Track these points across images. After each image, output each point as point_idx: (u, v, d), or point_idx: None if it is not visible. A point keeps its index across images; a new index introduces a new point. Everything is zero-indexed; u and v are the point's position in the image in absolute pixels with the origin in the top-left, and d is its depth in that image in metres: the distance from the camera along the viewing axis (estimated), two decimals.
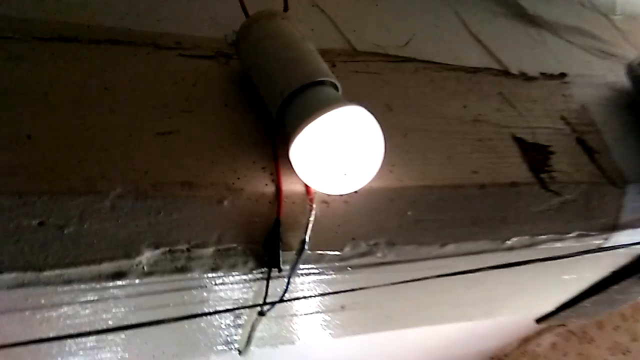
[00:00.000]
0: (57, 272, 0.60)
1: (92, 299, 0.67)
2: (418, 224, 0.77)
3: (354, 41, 0.89)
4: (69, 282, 0.61)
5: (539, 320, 1.34)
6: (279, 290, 0.74)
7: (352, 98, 0.64)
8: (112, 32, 0.73)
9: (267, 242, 0.68)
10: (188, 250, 0.65)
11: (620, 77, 1.07)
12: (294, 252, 0.69)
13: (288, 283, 0.72)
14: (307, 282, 0.78)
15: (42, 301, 0.65)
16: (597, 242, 0.92)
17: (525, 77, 0.98)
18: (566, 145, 0.91)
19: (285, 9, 0.77)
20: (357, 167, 0.64)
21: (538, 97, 0.96)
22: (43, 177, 0.59)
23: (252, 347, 0.95)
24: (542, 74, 1.01)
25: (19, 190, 0.57)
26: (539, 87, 0.98)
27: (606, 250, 0.95)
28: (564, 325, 4.31)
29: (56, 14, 0.72)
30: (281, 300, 0.75)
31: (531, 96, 0.95)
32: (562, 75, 1.02)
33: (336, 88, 0.68)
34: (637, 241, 0.97)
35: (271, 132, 0.71)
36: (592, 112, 0.99)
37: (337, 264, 0.74)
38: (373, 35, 0.92)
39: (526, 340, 4.55)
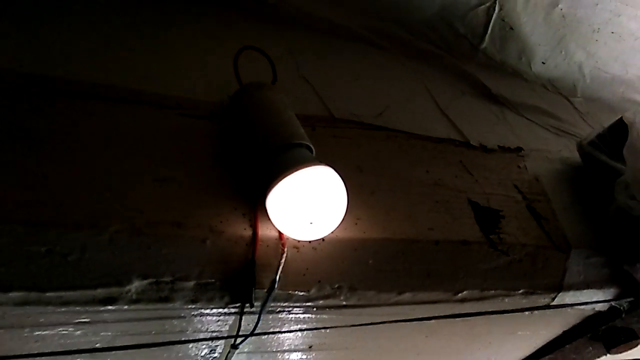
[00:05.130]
0: (58, 294, 0.69)
1: (84, 320, 0.76)
2: (378, 273, 0.87)
3: (333, 109, 1.02)
4: (67, 303, 0.71)
5: None
6: (251, 325, 0.83)
7: (322, 160, 0.76)
8: (124, 92, 0.86)
9: (242, 279, 0.77)
10: (172, 282, 0.75)
11: (574, 154, 1.20)
12: (265, 290, 0.78)
13: (259, 317, 0.81)
14: (277, 319, 0.87)
15: (41, 320, 0.74)
16: (544, 300, 1.02)
17: (484, 149, 1.11)
18: (516, 211, 1.02)
19: (274, 81, 0.90)
20: (322, 218, 0.76)
21: (494, 167, 1.08)
22: (53, 211, 0.70)
23: None
24: (500, 147, 1.14)
25: (33, 221, 0.68)
26: (496, 159, 1.10)
27: (553, 308, 1.04)
28: None
29: (77, 74, 0.85)
30: (253, 334, 0.84)
31: (488, 166, 1.08)
32: (519, 149, 1.15)
33: (310, 150, 0.80)
34: (582, 302, 1.07)
35: (252, 184, 0.82)
36: (544, 183, 1.11)
37: (304, 303, 0.83)
38: (351, 105, 1.05)
39: None
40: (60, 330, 0.77)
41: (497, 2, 1.24)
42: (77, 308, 0.72)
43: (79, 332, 0.79)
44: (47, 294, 0.69)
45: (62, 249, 0.69)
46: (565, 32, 1.33)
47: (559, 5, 1.27)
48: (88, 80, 0.84)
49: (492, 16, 1.26)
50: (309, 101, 1.03)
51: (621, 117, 1.04)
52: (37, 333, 0.77)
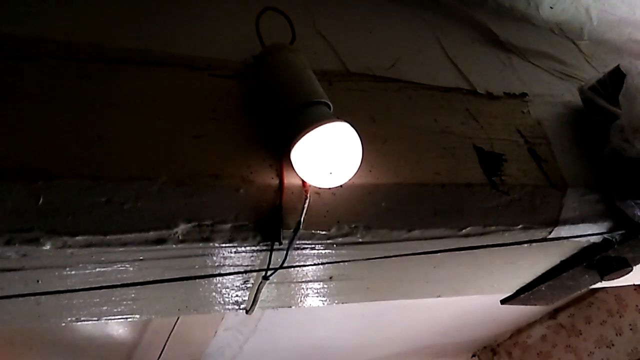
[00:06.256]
0: (117, 236, 0.82)
1: (139, 258, 0.89)
2: (390, 213, 0.98)
3: (348, 63, 1.10)
4: (124, 244, 0.83)
5: (503, 301, 1.54)
6: (279, 260, 0.96)
7: (339, 114, 0.85)
8: (159, 55, 0.95)
9: (271, 221, 0.89)
10: (212, 225, 0.87)
11: (576, 97, 1.27)
12: (291, 230, 0.90)
13: (287, 253, 0.93)
14: (302, 254, 1.00)
15: (102, 258, 0.87)
16: (541, 234, 1.13)
17: (490, 96, 1.19)
18: (518, 154, 1.11)
19: (293, 40, 0.98)
20: (340, 168, 0.86)
21: (499, 114, 1.16)
22: (110, 166, 0.81)
23: (256, 308, 1.17)
24: (506, 93, 1.21)
25: (94, 175, 0.80)
26: (501, 105, 1.18)
27: (550, 241, 1.15)
28: (553, 318, 4.50)
29: (117, 40, 0.94)
30: (281, 267, 0.96)
31: (493, 112, 1.16)
32: (523, 94, 1.23)
33: (329, 107, 0.89)
34: (577, 235, 1.18)
35: (277, 138, 0.92)
36: (546, 126, 1.19)
37: (325, 241, 0.95)
38: (365, 58, 1.13)
39: (518, 331, 4.77)
40: (118, 267, 0.91)
41: None
42: (133, 248, 0.84)
43: (133, 268, 0.92)
44: (108, 237, 0.81)
45: (119, 199, 0.81)
46: None
47: None
48: (127, 47, 0.93)
49: None
50: (326, 56, 1.10)
51: (618, 65, 1.11)
52: (98, 269, 0.90)
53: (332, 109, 0.89)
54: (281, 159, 0.91)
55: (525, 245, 1.16)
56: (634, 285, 3.71)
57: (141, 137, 0.85)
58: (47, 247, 0.79)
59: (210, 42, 1.01)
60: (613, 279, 1.34)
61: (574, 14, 1.46)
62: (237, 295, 1.12)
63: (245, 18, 1.00)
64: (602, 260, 1.29)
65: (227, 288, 1.07)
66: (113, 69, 0.91)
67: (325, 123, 0.82)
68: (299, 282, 1.13)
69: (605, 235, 1.21)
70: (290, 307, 1.24)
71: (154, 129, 0.87)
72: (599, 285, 1.47)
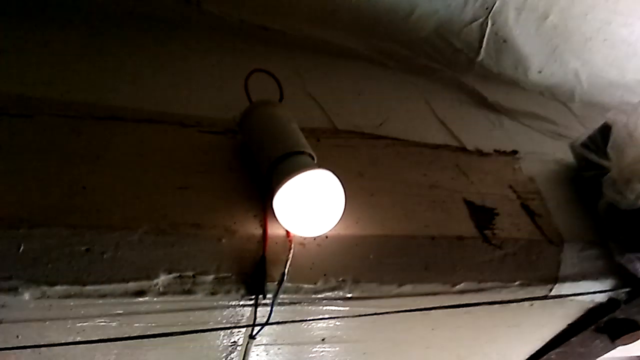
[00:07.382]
0: (96, 287, 0.81)
1: (119, 312, 0.87)
2: (379, 266, 0.96)
3: (337, 122, 1.13)
4: (103, 296, 0.82)
5: None
6: (266, 317, 0.93)
7: (323, 164, 0.86)
8: (150, 114, 0.98)
9: (255, 273, 0.88)
10: (193, 276, 0.85)
11: (569, 155, 1.27)
12: (276, 282, 0.88)
13: (272, 308, 0.90)
14: (289, 310, 0.97)
15: (82, 312, 0.86)
16: (541, 291, 1.09)
17: (480, 153, 1.20)
18: (511, 208, 1.10)
19: (281, 99, 1.01)
20: (323, 216, 0.86)
21: (490, 170, 1.16)
22: (92, 216, 0.82)
23: None
24: (496, 151, 1.22)
25: (74, 224, 0.80)
26: (491, 162, 1.19)
27: (551, 298, 1.11)
28: None
29: (109, 99, 0.98)
30: (267, 324, 0.93)
31: (484, 169, 1.16)
32: (514, 152, 1.23)
33: (312, 157, 0.90)
34: (579, 292, 1.13)
35: (261, 188, 0.93)
36: (538, 182, 1.19)
37: (311, 295, 0.93)
38: (354, 118, 1.16)
39: None
40: (98, 322, 0.88)
41: (490, 17, 1.33)
42: (112, 300, 0.83)
43: (114, 324, 0.90)
44: (87, 288, 0.80)
45: (99, 248, 0.81)
46: (558, 42, 1.41)
47: (550, 17, 1.36)
48: (120, 105, 0.97)
49: (485, 31, 1.35)
50: (315, 116, 1.13)
51: (606, 120, 1.12)
52: (78, 325, 0.88)
53: (315, 160, 0.90)
54: (265, 209, 0.91)
55: (526, 304, 1.11)
56: None
57: (125, 188, 0.86)
58: (26, 296, 0.78)
59: (201, 101, 1.05)
60: (625, 343, 1.27)
61: (563, 77, 1.49)
62: (226, 358, 1.08)
63: (235, 79, 1.04)
64: (610, 322, 1.23)
65: (214, 350, 1.04)
66: (104, 125, 0.94)
67: (306, 170, 0.83)
68: (289, 344, 1.09)
69: (610, 294, 1.16)
70: None
71: (139, 181, 0.88)
72: (614, 353, 1.39)
